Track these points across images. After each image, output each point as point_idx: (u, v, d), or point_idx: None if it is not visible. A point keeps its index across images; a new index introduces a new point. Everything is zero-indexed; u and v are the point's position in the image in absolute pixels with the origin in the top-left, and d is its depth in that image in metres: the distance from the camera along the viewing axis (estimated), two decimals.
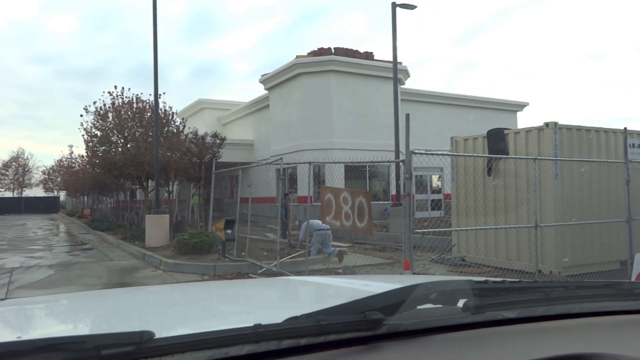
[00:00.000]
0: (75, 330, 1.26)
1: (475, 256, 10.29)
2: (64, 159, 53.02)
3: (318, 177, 20.42)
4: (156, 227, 13.85)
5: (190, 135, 13.93)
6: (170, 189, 16.45)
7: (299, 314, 0.94)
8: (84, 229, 23.15)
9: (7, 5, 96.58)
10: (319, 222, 11.15)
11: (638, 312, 1.24)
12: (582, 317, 1.19)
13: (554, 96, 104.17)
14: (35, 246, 15.29)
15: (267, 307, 1.62)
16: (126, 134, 17.00)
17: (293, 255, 10.44)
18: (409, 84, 25.94)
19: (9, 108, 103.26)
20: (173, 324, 1.28)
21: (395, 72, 17.73)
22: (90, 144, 17.21)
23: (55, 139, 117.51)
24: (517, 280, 1.37)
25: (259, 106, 27.97)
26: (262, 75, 25.65)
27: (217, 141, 13.69)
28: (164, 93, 14.40)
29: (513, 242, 9.35)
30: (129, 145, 16.80)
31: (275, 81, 24.43)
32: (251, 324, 0.85)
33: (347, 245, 14.22)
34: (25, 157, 64.31)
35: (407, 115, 6.18)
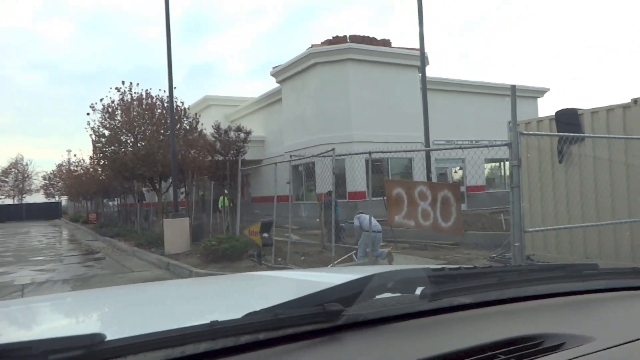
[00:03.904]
0: (24, 335, 1.15)
1: (545, 254, 9.10)
2: (64, 164, 51.85)
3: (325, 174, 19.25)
4: (176, 232, 12.67)
5: (211, 130, 12.67)
6: (188, 190, 15.25)
7: (258, 309, 0.91)
8: (92, 236, 21.95)
9: (2, 12, 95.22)
10: (367, 217, 9.95)
11: (586, 292, 1.28)
12: (535, 299, 1.21)
13: (571, 83, 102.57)
14: (43, 257, 14.09)
15: (225, 304, 1.57)
16: (136, 133, 15.81)
17: (340, 260, 9.25)
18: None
19: (7, 115, 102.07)
20: (128, 325, 1.24)
21: (423, 57, 16.51)
22: (99, 144, 16.00)
23: (53, 145, 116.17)
24: (472, 266, 1.31)
25: (270, 100, 26.75)
26: (273, 68, 24.41)
27: (242, 135, 12.46)
28: (175, 88, 13.18)
29: (593, 239, 8.17)
30: (139, 145, 15.62)
31: (287, 73, 23.19)
32: (208, 322, 0.83)
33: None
34: (24, 164, 63.13)
35: (513, 87, 4.98)
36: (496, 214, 16.52)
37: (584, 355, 0.87)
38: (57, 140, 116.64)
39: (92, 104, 15.99)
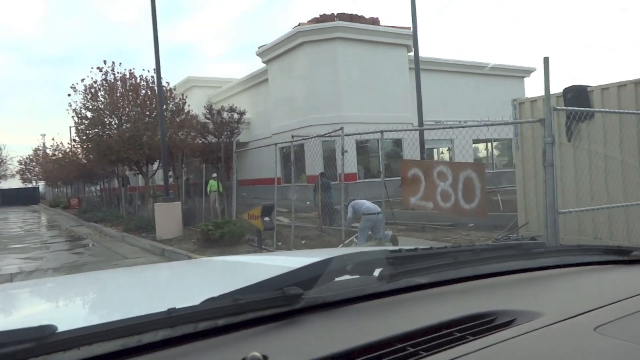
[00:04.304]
0: None
1: (565, 237, 8.93)
2: (40, 148, 50.34)
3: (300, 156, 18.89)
4: (167, 216, 12.25)
5: (197, 112, 12.16)
6: (177, 173, 14.75)
7: (217, 295, 0.90)
8: (75, 221, 21.31)
9: None
10: (365, 202, 9.73)
11: (535, 269, 1.33)
12: (488, 277, 1.25)
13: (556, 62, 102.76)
14: (27, 244, 13.53)
15: (183, 290, 1.54)
16: (120, 114, 15.19)
17: (347, 242, 8.99)
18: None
19: None
20: (81, 315, 1.22)
21: (416, 36, 16.15)
22: (81, 126, 15.35)
23: (27, 129, 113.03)
24: (428, 247, 1.32)
25: (256, 81, 26.14)
26: (258, 48, 23.79)
27: (235, 116, 12.00)
28: (154, 69, 12.59)
29: (603, 220, 8.04)
30: (124, 127, 15.01)
31: (274, 53, 22.61)
32: (166, 309, 0.81)
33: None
34: None
35: (546, 60, 4.71)
36: (489, 195, 16.45)
37: (534, 330, 0.90)
38: (30, 124, 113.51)
39: (72, 84, 15.32)
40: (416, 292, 1.13)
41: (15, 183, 59.90)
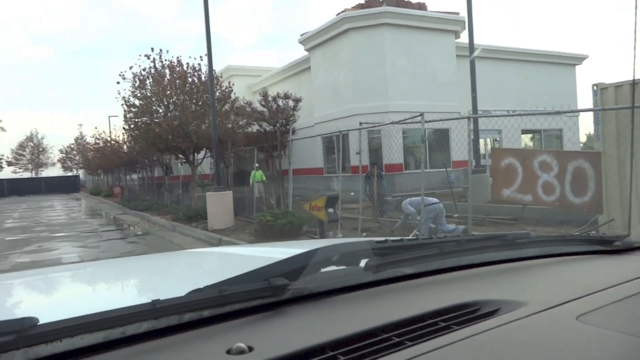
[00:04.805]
0: None
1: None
2: (80, 137, 51.41)
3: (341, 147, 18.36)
4: (219, 206, 12.02)
5: (258, 98, 11.83)
6: (228, 163, 14.52)
7: (202, 286, 0.89)
8: (120, 209, 21.48)
9: None
10: (415, 198, 9.37)
11: (519, 259, 1.34)
12: (473, 267, 1.26)
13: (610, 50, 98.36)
14: (79, 232, 13.56)
15: (169, 282, 1.51)
16: (166, 102, 15.03)
17: (411, 236, 8.54)
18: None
19: (15, 90, 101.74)
20: (65, 307, 1.19)
21: (471, 21, 15.42)
22: (130, 114, 15.27)
23: (62, 119, 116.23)
24: (414, 237, 1.40)
25: (297, 69, 25.73)
26: (301, 35, 23.34)
27: (291, 103, 11.62)
28: (205, 55, 12.34)
29: None
30: (169, 115, 14.85)
31: (317, 40, 22.12)
32: (150, 300, 0.81)
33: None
34: (40, 137, 62.81)
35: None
36: None
37: (517, 319, 0.91)
38: (65, 115, 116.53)
39: (121, 72, 15.23)
40: (402, 283, 1.14)
41: (56, 171, 61.57)
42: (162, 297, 0.82)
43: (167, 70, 15.34)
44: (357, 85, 20.24)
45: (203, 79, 15.23)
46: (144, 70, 15.09)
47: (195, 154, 15.85)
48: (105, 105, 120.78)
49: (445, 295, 1.06)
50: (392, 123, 8.28)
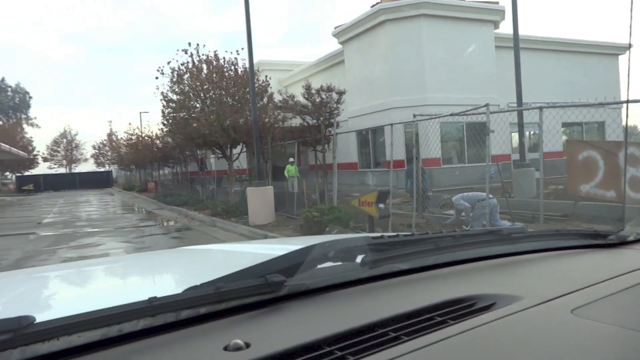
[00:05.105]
0: None
1: None
2: (112, 133, 52.28)
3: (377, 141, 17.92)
4: (260, 201, 11.86)
5: (301, 91, 11.61)
6: (267, 157, 14.37)
7: (199, 283, 0.90)
8: (155, 204, 21.60)
9: None
10: (465, 194, 9.09)
11: (515, 254, 1.35)
12: (468, 262, 1.27)
13: None
14: (121, 227, 13.61)
15: (166, 279, 1.56)
16: (204, 97, 14.97)
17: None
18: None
19: (48, 88, 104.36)
20: (61, 305, 1.21)
21: (516, 7, 14.83)
22: (168, 109, 15.26)
23: (92, 116, 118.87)
24: (410, 233, 1.39)
25: (329, 63, 25.45)
26: (335, 28, 23.03)
27: (334, 96, 11.36)
28: (242, 49, 12.22)
29: None
30: (206, 110, 14.77)
31: (352, 33, 21.77)
32: (147, 298, 0.81)
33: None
34: (73, 134, 64.20)
35: None
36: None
37: (513, 313, 0.91)
38: (97, 112, 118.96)
39: (159, 67, 15.23)
40: (398, 278, 1.14)
41: (88, 167, 62.86)
42: (159, 295, 0.82)
43: (204, 65, 15.27)
44: (393, 79, 19.83)
45: (239, 73, 15.14)
46: (182, 64, 15.05)
47: (232, 148, 15.76)
48: (134, 102, 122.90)
49: (441, 290, 1.06)
50: (451, 115, 7.91)
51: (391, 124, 8.65)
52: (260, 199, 11.88)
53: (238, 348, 0.75)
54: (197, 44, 15.34)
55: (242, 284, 0.90)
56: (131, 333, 0.78)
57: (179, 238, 10.94)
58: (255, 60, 29.76)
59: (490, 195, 8.80)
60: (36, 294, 1.39)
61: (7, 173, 55.61)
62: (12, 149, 34.24)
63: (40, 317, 0.72)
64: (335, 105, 11.24)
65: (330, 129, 10.88)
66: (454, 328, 0.85)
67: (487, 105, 6.67)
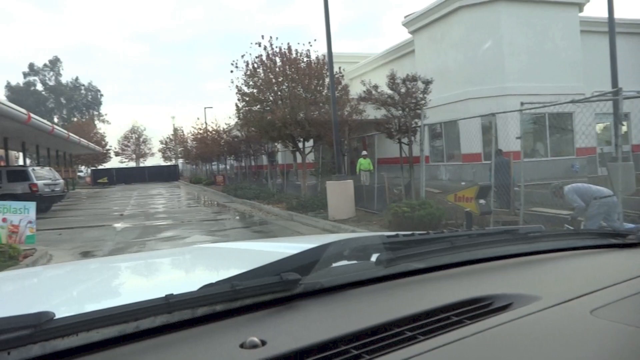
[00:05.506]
0: None
1: None
2: (179, 129, 53.99)
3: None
4: (340, 195, 11.63)
5: (386, 81, 11.24)
6: (344, 150, 14.11)
7: (215, 281, 0.91)
8: (225, 198, 21.92)
9: None
10: (587, 185, 8.16)
11: (532, 253, 1.32)
12: (484, 262, 1.25)
13: None
14: (201, 220, 13.80)
15: (182, 277, 1.58)
16: (277, 89, 14.89)
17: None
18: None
19: (116, 85, 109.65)
20: (79, 302, 1.24)
21: None
22: (243, 103, 15.31)
23: (156, 111, 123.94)
24: (425, 232, 1.30)
25: (397, 54, 24.84)
26: (404, 17, 22.39)
27: (420, 85, 10.92)
28: (315, 40, 11.96)
29: None
30: (279, 102, 14.67)
31: (423, 21, 21.06)
32: (163, 295, 0.81)
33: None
34: (141, 129, 66.91)
35: None
36: None
37: (531, 313, 0.90)
38: (159, 108, 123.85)
39: (233, 61, 15.34)
40: (413, 277, 1.13)
41: (155, 160, 65.32)
42: (175, 292, 0.82)
43: (277, 58, 15.20)
44: (469, 68, 18.99)
45: (312, 65, 14.97)
46: (256, 57, 15.04)
47: (305, 142, 15.63)
48: (198, 97, 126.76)
49: (457, 290, 1.04)
50: (572, 102, 7.24)
51: (493, 114, 8.07)
52: (340, 193, 11.64)
53: (254, 345, 0.74)
54: (270, 37, 15.30)
55: (257, 281, 0.90)
56: (148, 330, 0.79)
57: (261, 232, 10.89)
58: (319, 53, 29.32)
59: (611, 192, 7.91)
60: (56, 290, 1.39)
61: (82, 167, 58.74)
62: (90, 143, 36.02)
63: (59, 313, 0.73)
64: (421, 96, 10.77)
65: (416, 120, 10.41)
66: (471, 328, 0.83)
67: (619, 89, 5.99)
